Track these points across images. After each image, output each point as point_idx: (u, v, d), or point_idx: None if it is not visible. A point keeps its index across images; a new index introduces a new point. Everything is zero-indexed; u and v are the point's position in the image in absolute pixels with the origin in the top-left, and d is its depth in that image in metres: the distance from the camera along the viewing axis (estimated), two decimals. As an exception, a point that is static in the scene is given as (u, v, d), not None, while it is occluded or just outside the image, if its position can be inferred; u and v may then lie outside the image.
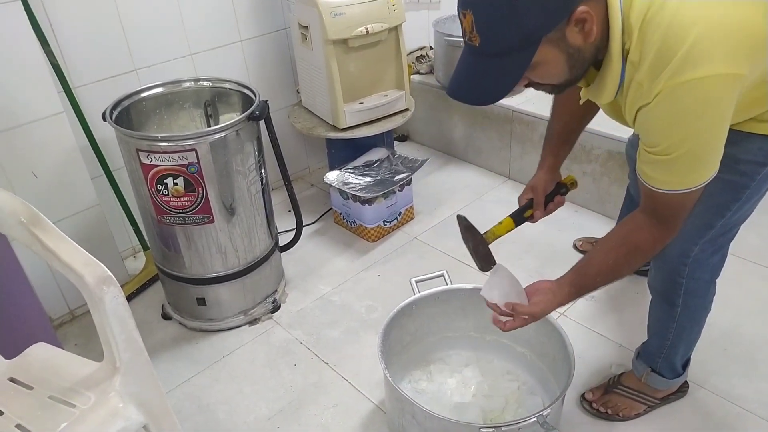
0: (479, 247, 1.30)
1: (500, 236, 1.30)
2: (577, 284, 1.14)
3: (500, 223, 1.31)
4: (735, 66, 0.86)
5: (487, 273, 1.27)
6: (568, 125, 1.34)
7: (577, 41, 0.90)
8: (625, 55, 0.93)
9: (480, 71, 0.93)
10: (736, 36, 0.86)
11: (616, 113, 1.08)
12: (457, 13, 0.93)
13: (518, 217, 1.32)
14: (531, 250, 2.08)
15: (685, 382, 1.53)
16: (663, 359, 1.43)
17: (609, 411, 1.49)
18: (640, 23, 0.88)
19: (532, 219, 1.36)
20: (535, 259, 2.05)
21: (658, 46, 0.87)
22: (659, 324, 1.41)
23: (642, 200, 1.07)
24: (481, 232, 1.29)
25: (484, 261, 1.29)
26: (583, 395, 1.53)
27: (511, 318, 1.18)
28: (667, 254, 1.28)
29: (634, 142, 1.55)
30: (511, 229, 1.31)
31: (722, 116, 0.91)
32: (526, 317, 1.17)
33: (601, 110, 1.20)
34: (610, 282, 1.14)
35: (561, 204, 1.37)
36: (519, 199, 1.38)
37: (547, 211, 1.36)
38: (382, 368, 1.29)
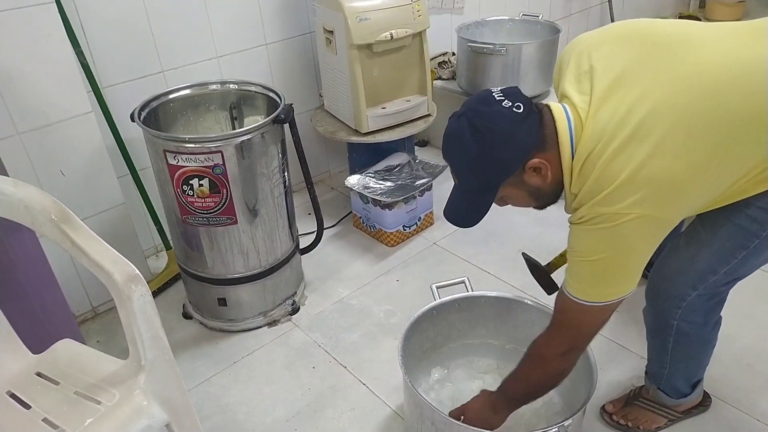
0: (543, 278, 1.57)
1: (561, 266, 1.52)
2: (501, 401, 1.27)
3: (561, 255, 1.54)
4: (648, 209, 0.98)
5: (552, 293, 1.48)
6: None
7: (535, 182, 1.09)
8: (572, 192, 1.09)
9: (460, 203, 1.17)
10: (657, 185, 0.97)
11: None
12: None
13: None
14: (551, 258, 2.06)
15: (708, 396, 1.51)
16: (665, 381, 1.42)
17: (629, 424, 1.47)
18: (580, 166, 1.05)
19: None
20: (541, 259, 2.03)
21: (589, 186, 1.03)
22: (654, 354, 1.41)
23: (553, 314, 1.17)
24: (544, 264, 1.55)
25: (549, 287, 1.56)
26: (603, 407, 1.52)
27: None
28: (662, 293, 1.28)
29: None
30: None
31: (633, 249, 1.03)
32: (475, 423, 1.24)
33: None
34: (531, 395, 1.26)
35: None
36: None
37: None
38: (402, 373, 1.29)
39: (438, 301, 1.48)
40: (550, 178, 1.08)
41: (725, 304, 1.30)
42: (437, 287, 1.50)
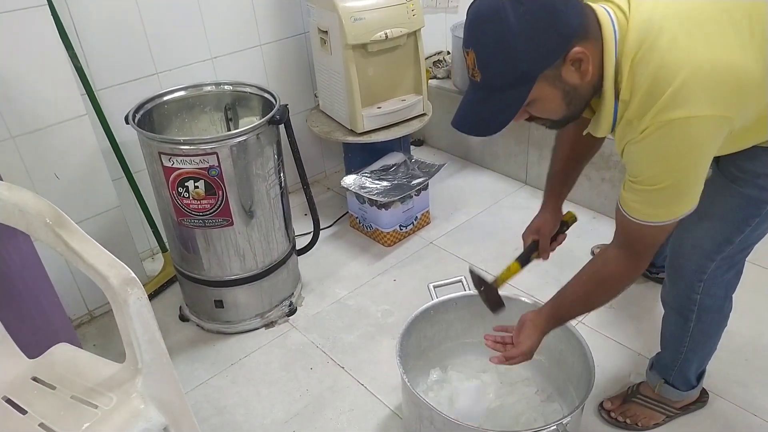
0: (490, 294, 1.38)
1: (507, 281, 1.38)
2: (555, 316, 1.21)
3: (508, 268, 1.39)
4: (720, 108, 0.89)
5: (498, 314, 1.38)
6: (568, 166, 1.36)
7: (573, 80, 0.95)
8: (617, 93, 0.97)
9: (480, 105, 0.99)
10: (722, 80, 0.89)
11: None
12: (462, 50, 0.98)
13: (525, 261, 1.38)
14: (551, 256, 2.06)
15: (705, 392, 1.51)
16: (676, 371, 1.42)
17: (628, 420, 1.47)
18: (629, 63, 0.93)
19: (538, 259, 1.39)
20: (554, 266, 2.02)
21: (646, 86, 0.91)
22: (672, 338, 1.40)
23: (615, 233, 1.10)
24: (489, 281, 1.38)
25: (495, 305, 1.38)
26: (601, 404, 1.52)
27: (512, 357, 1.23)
28: (682, 269, 1.27)
29: None
30: (518, 272, 1.38)
31: (704, 155, 0.95)
32: (519, 357, 1.22)
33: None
34: (587, 312, 1.24)
35: (563, 240, 1.41)
36: (523, 238, 1.40)
37: (551, 249, 1.40)
38: (401, 373, 1.29)
39: (435, 300, 1.47)
40: (590, 74, 0.94)
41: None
42: (434, 286, 1.50)
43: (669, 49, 0.90)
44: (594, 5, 0.97)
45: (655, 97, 0.90)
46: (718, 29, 0.91)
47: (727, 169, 1.14)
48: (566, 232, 1.41)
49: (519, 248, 1.49)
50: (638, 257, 1.08)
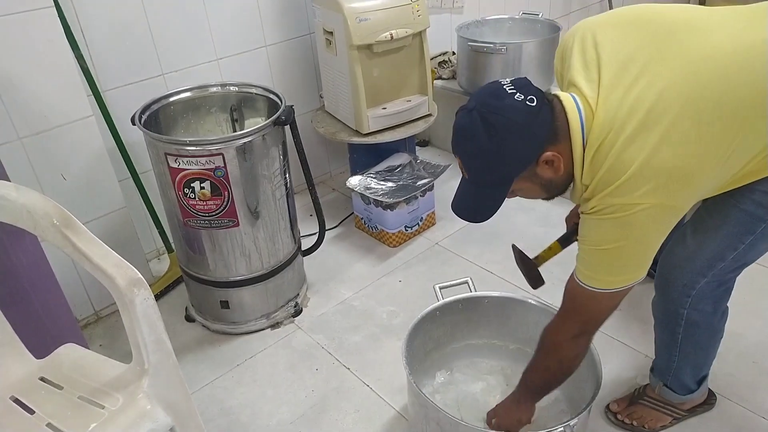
0: (531, 271, 1.48)
1: (548, 259, 1.47)
2: (524, 395, 1.30)
3: (549, 247, 1.47)
4: (663, 198, 0.98)
5: (537, 288, 1.47)
6: None
7: (548, 174, 1.07)
8: (583, 184, 1.09)
9: (471, 197, 1.15)
10: (669, 175, 0.97)
11: None
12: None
13: (565, 242, 1.44)
14: (555, 257, 2.06)
15: (713, 394, 1.50)
16: (672, 377, 1.41)
17: (634, 422, 1.46)
18: (591, 155, 1.04)
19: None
20: (558, 266, 2.02)
21: (601, 175, 1.02)
22: (663, 347, 1.40)
23: (562, 301, 1.18)
24: (531, 257, 1.48)
25: (536, 281, 1.48)
26: (607, 406, 1.51)
27: None
28: (672, 283, 1.27)
29: None
30: (558, 252, 1.44)
31: (646, 235, 1.03)
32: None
33: None
34: (552, 382, 1.26)
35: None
36: (566, 221, 1.49)
37: None
38: (407, 374, 1.29)
39: (441, 301, 1.47)
40: (562, 170, 1.06)
41: (731, 298, 1.30)
42: (440, 288, 1.50)
43: (624, 149, 0.99)
44: (563, 96, 1.06)
45: (606, 185, 1.01)
46: (678, 127, 0.97)
47: None
48: None
49: (527, 250, 1.50)
50: (584, 324, 1.16)
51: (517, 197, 1.17)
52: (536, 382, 1.27)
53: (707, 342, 1.35)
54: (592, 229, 1.06)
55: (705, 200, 1.19)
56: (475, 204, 1.15)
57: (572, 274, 1.14)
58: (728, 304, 1.32)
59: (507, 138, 1.02)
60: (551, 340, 1.20)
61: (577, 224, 1.35)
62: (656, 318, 1.39)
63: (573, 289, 1.14)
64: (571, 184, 1.12)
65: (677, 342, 1.34)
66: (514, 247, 1.49)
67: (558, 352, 1.20)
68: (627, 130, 0.98)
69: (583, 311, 1.14)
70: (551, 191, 1.13)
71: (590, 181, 1.05)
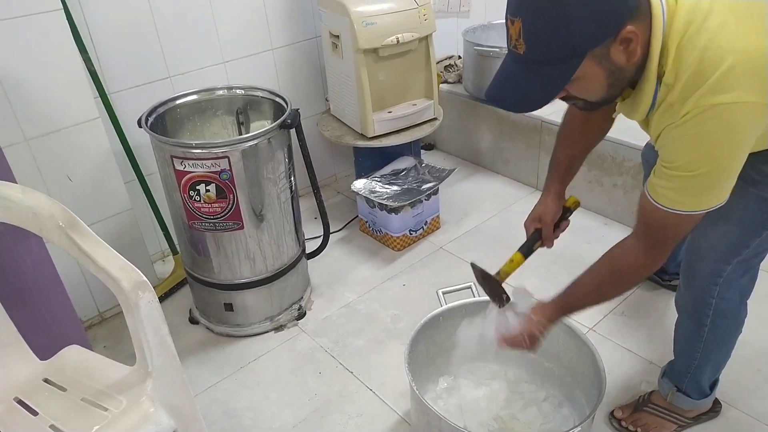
0: (495, 288, 1.33)
1: (511, 273, 1.34)
2: (565, 305, 1.19)
3: (511, 260, 1.34)
4: (765, 96, 0.87)
5: (503, 307, 1.32)
6: (573, 151, 1.34)
7: (620, 60, 0.91)
8: (660, 76, 0.94)
9: (521, 79, 0.93)
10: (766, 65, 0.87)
11: (644, 127, 1.08)
12: (504, 20, 0.93)
13: (528, 250, 1.34)
14: (558, 261, 2.06)
15: (718, 402, 1.49)
16: (689, 379, 1.40)
17: (639, 430, 1.45)
18: (676, 45, 0.90)
19: (542, 247, 1.36)
20: (562, 269, 2.02)
21: (692, 69, 0.88)
22: (686, 344, 1.38)
23: (637, 224, 1.07)
24: (492, 273, 1.33)
25: (499, 299, 1.33)
26: (612, 413, 1.50)
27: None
28: (698, 272, 1.26)
29: (651, 146, 1.54)
30: (521, 263, 1.34)
31: (743, 144, 0.92)
32: (519, 339, 1.20)
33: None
34: (598, 303, 1.17)
35: (566, 227, 1.38)
36: (525, 227, 1.36)
37: (554, 237, 1.37)
38: (409, 381, 1.28)
39: (444, 306, 1.47)
40: (637, 55, 0.90)
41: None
42: (443, 292, 1.49)
43: (717, 32, 0.87)
44: None
45: (701, 81, 0.87)
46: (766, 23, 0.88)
47: (745, 172, 1.12)
48: (569, 218, 1.37)
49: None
50: (658, 249, 1.06)
51: (564, 100, 0.99)
52: (581, 297, 1.17)
53: (730, 335, 1.34)
54: (689, 140, 0.91)
55: None
56: (527, 87, 0.93)
57: (647, 194, 1.01)
58: None
59: None
60: (625, 263, 1.09)
61: (538, 230, 1.33)
62: (683, 311, 1.36)
63: (653, 213, 1.01)
64: (637, 94, 0.97)
65: (702, 335, 1.32)
66: (473, 265, 1.35)
67: (630, 275, 1.11)
68: (717, 16, 0.87)
69: (664, 232, 1.02)
70: (613, 87, 0.95)
71: (675, 79, 0.90)
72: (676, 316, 1.41)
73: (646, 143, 1.60)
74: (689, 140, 0.92)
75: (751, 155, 1.07)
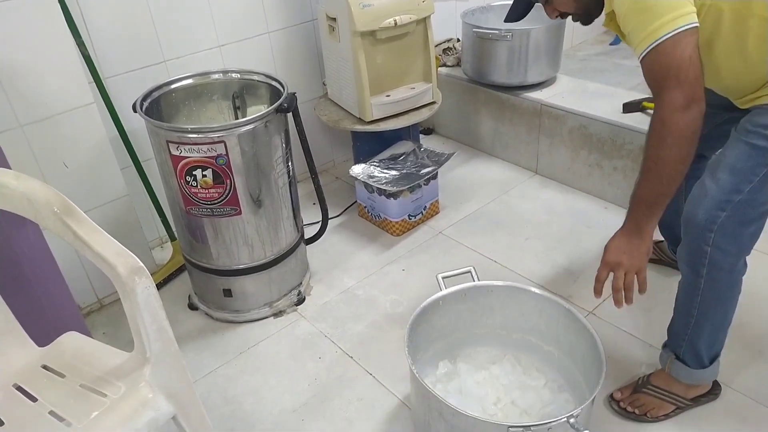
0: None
1: None
2: (638, 210, 1.23)
3: None
4: None
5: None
6: None
7: None
8: None
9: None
10: None
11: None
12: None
13: None
14: (558, 246, 2.05)
15: (718, 384, 1.49)
16: (687, 343, 1.39)
17: (637, 411, 1.46)
18: None
19: None
20: (563, 254, 2.02)
21: None
22: (684, 298, 1.37)
23: (652, 90, 1.16)
24: None
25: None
26: (611, 394, 1.51)
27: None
28: (694, 218, 1.26)
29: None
30: None
31: None
32: (604, 268, 1.27)
33: None
34: (670, 185, 1.17)
35: None
36: None
37: None
38: (409, 364, 1.28)
39: (444, 291, 1.46)
40: None
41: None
42: (443, 277, 1.49)
43: None
44: None
45: None
46: None
47: (742, 126, 1.23)
48: None
49: (530, 238, 1.47)
50: (681, 84, 1.11)
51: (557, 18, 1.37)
52: (652, 186, 1.19)
53: (727, 293, 1.33)
54: None
55: (722, 144, 1.26)
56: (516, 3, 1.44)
57: (639, 58, 1.15)
58: None
59: None
60: (660, 123, 1.14)
61: None
62: (682, 261, 1.35)
63: (645, 68, 1.15)
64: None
65: (699, 287, 1.31)
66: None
67: (671, 128, 1.13)
68: None
69: (663, 73, 1.12)
70: None
71: None
72: (676, 301, 1.41)
73: None
74: None
75: (749, 112, 1.23)
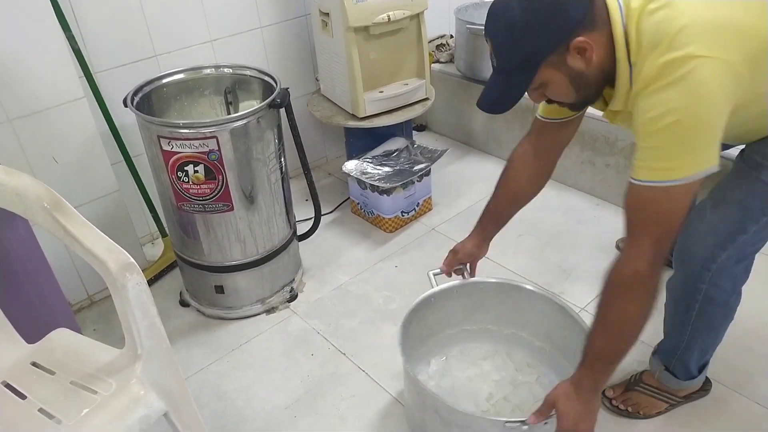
0: None
1: None
2: (595, 368, 1.09)
3: None
4: (720, 52, 0.93)
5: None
6: (502, 204, 1.45)
7: (578, 65, 1.03)
8: (632, 64, 1.01)
9: (495, 86, 1.11)
10: (722, 28, 0.95)
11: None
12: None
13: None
14: (552, 242, 2.06)
15: (709, 381, 1.50)
16: (677, 360, 1.40)
17: (630, 409, 1.47)
18: (635, 27, 0.99)
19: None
20: (555, 251, 2.02)
21: (648, 38, 0.97)
22: (672, 327, 1.39)
23: (627, 226, 1.04)
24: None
25: None
26: (603, 392, 1.51)
27: None
28: (693, 256, 1.25)
29: None
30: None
31: (710, 98, 0.94)
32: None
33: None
34: (631, 343, 1.07)
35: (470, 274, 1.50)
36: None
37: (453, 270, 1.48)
38: (403, 363, 1.28)
39: (436, 288, 1.46)
40: (594, 61, 1.01)
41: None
42: (434, 274, 1.48)
43: (669, 4, 0.96)
44: None
45: (656, 45, 0.95)
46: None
47: (750, 156, 1.15)
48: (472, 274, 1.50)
49: (523, 234, 1.48)
50: (658, 242, 1.00)
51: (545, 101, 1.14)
52: (607, 344, 1.07)
53: (720, 322, 1.34)
54: (650, 105, 0.96)
55: (728, 175, 1.19)
56: (499, 93, 1.10)
57: (630, 183, 1.02)
58: None
59: (540, 11, 1.00)
60: (629, 273, 1.02)
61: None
62: (671, 295, 1.35)
63: (637, 197, 1.01)
64: (617, 85, 1.05)
65: (689, 321, 1.31)
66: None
67: (640, 283, 1.02)
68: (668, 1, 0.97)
69: (655, 218, 1.00)
70: (581, 89, 1.07)
71: (638, 54, 0.99)
72: (665, 324, 1.42)
73: None
74: (652, 100, 0.96)
75: (756, 141, 1.12)
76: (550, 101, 1.14)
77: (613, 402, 1.48)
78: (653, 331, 1.67)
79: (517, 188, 1.42)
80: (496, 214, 1.46)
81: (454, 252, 1.48)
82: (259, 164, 1.60)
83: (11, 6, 1.49)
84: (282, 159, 1.69)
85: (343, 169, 2.13)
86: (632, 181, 1.02)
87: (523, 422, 1.13)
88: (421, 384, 1.23)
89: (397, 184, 2.05)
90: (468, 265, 1.49)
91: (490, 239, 1.49)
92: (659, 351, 1.45)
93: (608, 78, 1.06)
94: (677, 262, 1.31)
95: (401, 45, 2.07)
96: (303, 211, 2.13)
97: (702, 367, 1.43)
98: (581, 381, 1.10)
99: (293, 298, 1.89)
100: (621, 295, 1.05)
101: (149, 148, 1.58)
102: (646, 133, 0.98)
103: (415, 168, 2.11)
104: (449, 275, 1.48)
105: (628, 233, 1.05)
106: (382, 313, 1.83)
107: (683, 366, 1.41)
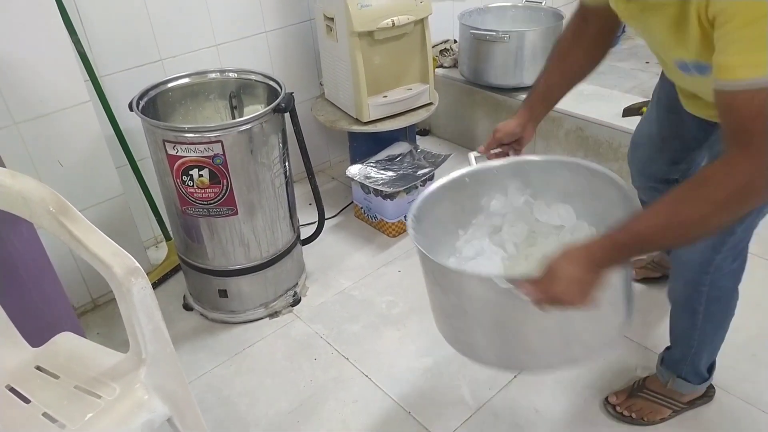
0: None
1: None
2: (618, 243, 0.89)
3: None
4: None
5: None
6: (552, 80, 1.26)
7: None
8: None
9: None
10: None
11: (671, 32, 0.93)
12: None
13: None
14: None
15: (712, 387, 1.50)
16: (688, 366, 1.40)
17: (633, 415, 1.46)
18: None
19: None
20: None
21: None
22: (682, 333, 1.39)
23: (725, 136, 0.85)
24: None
25: None
26: (606, 398, 1.51)
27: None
28: (688, 263, 1.26)
29: (638, 144, 1.53)
30: None
31: None
32: (541, 296, 0.90)
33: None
34: (688, 237, 0.91)
35: (506, 154, 1.28)
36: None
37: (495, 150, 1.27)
38: (411, 234, 1.12)
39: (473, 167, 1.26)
40: None
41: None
42: (475, 156, 1.27)
43: None
44: None
45: None
46: None
47: None
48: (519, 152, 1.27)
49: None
50: (756, 148, 0.81)
51: None
52: (669, 230, 0.88)
53: (724, 319, 1.34)
54: None
55: None
56: None
57: (717, 84, 0.83)
58: None
59: None
60: (744, 181, 0.83)
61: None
62: (675, 303, 1.35)
63: (744, 100, 0.80)
64: None
65: (697, 324, 1.31)
66: None
67: (748, 194, 0.83)
68: None
69: (751, 121, 0.81)
70: None
71: None
72: (671, 333, 1.42)
73: (633, 141, 1.56)
74: None
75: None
76: None
77: (617, 408, 1.48)
78: (656, 337, 1.67)
79: (572, 59, 1.22)
80: (546, 90, 1.26)
81: (494, 131, 1.26)
82: (263, 168, 1.60)
83: (18, 10, 1.50)
84: (286, 163, 1.69)
85: (347, 173, 2.13)
86: (721, 86, 0.82)
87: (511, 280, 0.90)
88: (418, 247, 1.06)
89: (400, 189, 2.05)
90: (512, 150, 1.27)
91: (538, 122, 1.27)
92: (669, 361, 1.45)
93: None
94: (675, 272, 1.32)
95: (405, 50, 2.08)
96: (306, 216, 2.14)
97: (710, 368, 1.43)
98: (595, 251, 0.90)
99: (296, 302, 1.89)
100: (710, 197, 0.85)
101: (154, 152, 1.58)
102: (736, 28, 0.78)
103: (418, 173, 2.11)
104: (489, 158, 1.25)
105: (725, 141, 0.85)
106: (385, 318, 1.82)
107: (695, 370, 1.41)
